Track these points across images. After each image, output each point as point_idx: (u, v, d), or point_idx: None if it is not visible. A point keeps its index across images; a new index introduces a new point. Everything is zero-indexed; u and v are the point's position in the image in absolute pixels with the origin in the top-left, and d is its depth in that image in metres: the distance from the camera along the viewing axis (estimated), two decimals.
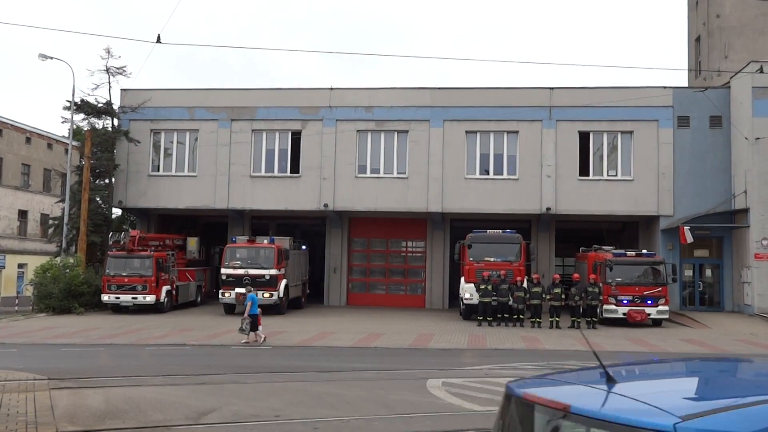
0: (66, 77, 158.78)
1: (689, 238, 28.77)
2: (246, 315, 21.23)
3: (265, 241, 30.09)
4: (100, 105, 34.77)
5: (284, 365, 16.26)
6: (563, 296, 26.55)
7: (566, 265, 39.11)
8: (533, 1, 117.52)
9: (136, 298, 29.91)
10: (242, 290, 28.89)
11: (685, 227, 29.08)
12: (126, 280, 29.92)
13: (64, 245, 33.58)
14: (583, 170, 32.64)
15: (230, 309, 29.91)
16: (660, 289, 27.13)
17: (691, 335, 24.53)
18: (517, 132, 32.89)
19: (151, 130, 34.96)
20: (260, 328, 21.45)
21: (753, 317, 28.77)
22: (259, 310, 21.80)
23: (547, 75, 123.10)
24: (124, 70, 35.00)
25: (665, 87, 32.33)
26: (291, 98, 34.40)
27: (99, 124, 35.47)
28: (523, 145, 32.77)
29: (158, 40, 20.66)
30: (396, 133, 33.67)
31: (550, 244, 34.47)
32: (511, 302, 26.55)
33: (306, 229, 40.39)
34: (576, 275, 28.52)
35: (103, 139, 34.40)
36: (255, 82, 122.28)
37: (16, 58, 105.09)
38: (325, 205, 33.44)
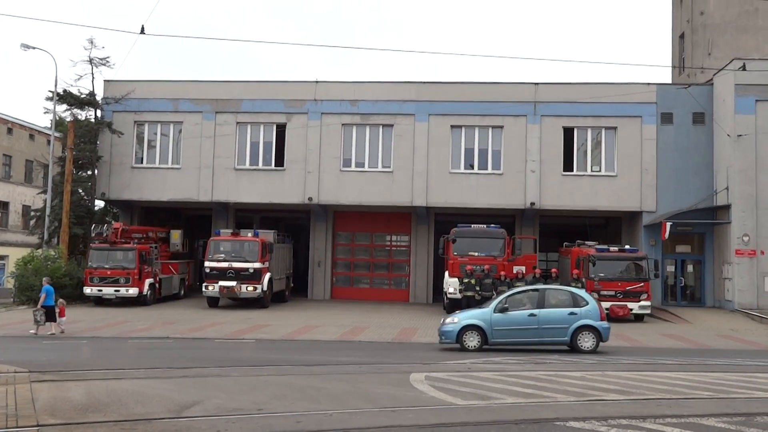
0: (48, 67, 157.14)
1: (668, 234, 29.01)
2: (39, 306, 21.28)
3: (249, 235, 30.01)
4: (83, 96, 34.48)
5: (268, 359, 16.24)
6: None
7: (549, 260, 39.24)
8: None
9: (118, 290, 29.73)
10: (226, 284, 28.95)
11: (667, 223, 29.31)
12: (109, 272, 29.74)
13: (45, 237, 33.31)
14: (567, 165, 32.79)
15: (214, 302, 29.84)
16: (642, 284, 27.35)
17: (672, 330, 24.75)
18: (502, 127, 32.97)
19: (135, 122, 34.71)
20: (63, 319, 21.52)
21: (734, 313, 29.06)
22: (62, 301, 22.08)
23: (532, 70, 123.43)
24: (108, 61, 34.76)
25: (649, 83, 32.55)
26: (276, 91, 34.27)
27: (82, 115, 35.21)
28: (508, 140, 32.86)
29: (142, 31, 20.53)
30: (381, 127, 33.65)
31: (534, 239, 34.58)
32: (494, 297, 26.58)
33: (290, 223, 40.32)
34: (555, 270, 28.62)
35: (86, 131, 34.13)
36: (241, 72, 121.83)
37: None
38: (310, 199, 33.38)
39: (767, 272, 29.57)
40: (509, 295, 18.92)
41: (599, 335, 17.95)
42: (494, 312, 18.26)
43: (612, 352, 18.29)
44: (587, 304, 18.27)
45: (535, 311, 18.13)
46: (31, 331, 21.02)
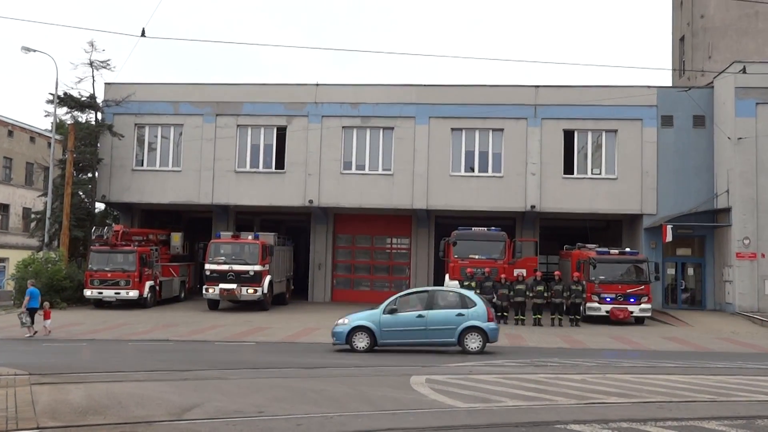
0: (49, 70, 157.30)
1: (669, 237, 29.00)
2: (23, 309, 21.35)
3: (250, 237, 30.00)
4: (83, 99, 34.50)
5: (268, 361, 16.23)
6: (546, 294, 26.69)
7: (550, 263, 39.23)
8: (520, 0, 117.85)
9: (119, 293, 29.73)
10: (227, 286, 28.94)
11: (668, 226, 29.30)
12: (109, 275, 29.74)
13: (46, 240, 33.30)
14: (568, 168, 32.78)
15: (214, 305, 29.83)
16: (643, 287, 27.34)
17: (673, 333, 24.73)
18: (502, 130, 32.98)
19: (135, 125, 34.72)
20: (48, 322, 21.62)
21: (734, 316, 29.04)
22: (47, 304, 22.24)
23: (532, 73, 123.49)
24: (108, 64, 34.81)
25: (649, 86, 32.54)
26: (276, 94, 34.30)
27: (82, 117, 35.28)
28: (509, 143, 32.87)
29: (143, 34, 20.56)
30: (381, 130, 33.67)
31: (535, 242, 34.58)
32: (495, 300, 26.62)
33: (291, 225, 40.32)
34: (558, 272, 28.64)
35: (87, 133, 34.14)
36: (241, 74, 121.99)
37: None
38: (310, 201, 33.38)
39: (767, 275, 29.55)
40: (399, 297, 19.11)
41: (486, 336, 18.17)
42: (383, 313, 18.40)
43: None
44: (475, 305, 18.41)
45: (424, 312, 18.29)
46: (27, 335, 21.03)
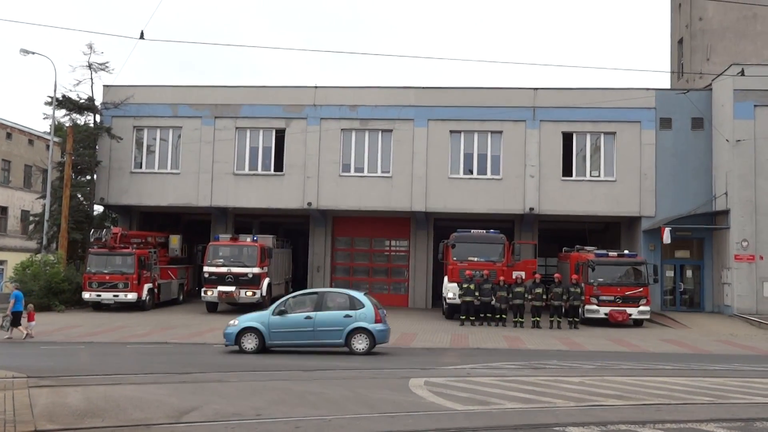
0: (48, 73, 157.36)
1: (667, 239, 29.02)
2: (8, 312, 21.45)
3: (248, 240, 30.00)
4: (82, 101, 34.50)
5: (266, 364, 16.22)
6: (544, 296, 26.69)
7: (549, 265, 39.25)
8: (518, 2, 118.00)
9: (117, 295, 29.72)
10: (225, 289, 28.91)
11: (666, 228, 29.32)
12: (107, 277, 29.73)
13: (44, 242, 33.28)
14: (566, 171, 32.80)
15: (213, 307, 29.81)
16: (641, 289, 27.36)
17: (671, 335, 24.74)
18: (501, 132, 33.00)
19: (134, 127, 34.72)
20: (32, 324, 21.64)
21: (733, 318, 29.05)
22: (31, 306, 22.23)
23: (531, 76, 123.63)
24: (107, 66, 34.85)
25: (648, 89, 32.58)
26: (275, 96, 34.31)
27: (81, 120, 35.28)
28: (507, 145, 32.89)
29: (141, 36, 20.58)
30: (380, 132, 33.68)
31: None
32: (493, 302, 26.64)
33: (289, 228, 40.30)
34: (558, 275, 28.65)
35: (85, 136, 34.13)
36: (240, 77, 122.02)
37: None
38: (309, 204, 33.38)
39: (766, 277, 29.57)
40: (290, 298, 19.27)
41: (373, 337, 18.27)
42: (272, 315, 18.51)
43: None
44: (363, 307, 18.50)
45: (312, 314, 18.39)
46: (6, 336, 21.13)
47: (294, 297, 19.41)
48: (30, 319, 21.76)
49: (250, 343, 18.30)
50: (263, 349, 18.30)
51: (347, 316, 18.34)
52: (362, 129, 33.75)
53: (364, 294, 19.29)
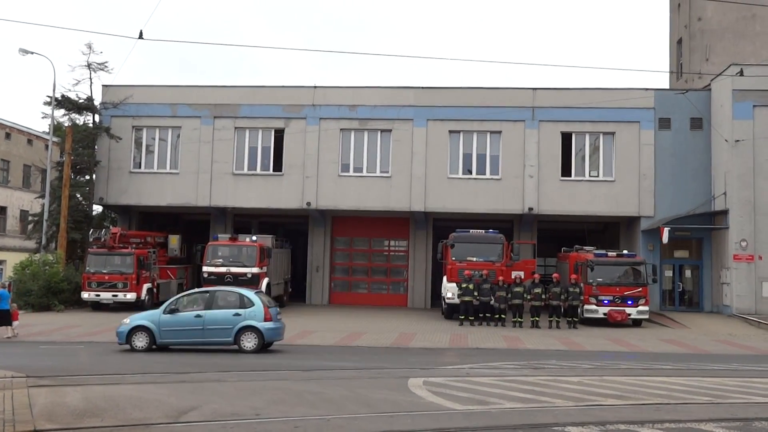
0: (47, 72, 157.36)
1: (666, 239, 29.03)
2: None
3: (248, 240, 29.99)
4: (81, 101, 34.49)
5: (265, 364, 16.22)
6: (543, 296, 26.69)
7: (548, 265, 39.25)
8: (518, 2, 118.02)
9: (116, 295, 29.71)
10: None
11: (665, 228, 29.32)
12: (106, 277, 29.73)
13: (43, 242, 33.27)
14: (565, 171, 32.82)
15: None
16: (640, 289, 27.35)
17: (670, 335, 24.75)
18: (500, 132, 33.01)
19: (133, 127, 34.71)
20: (16, 323, 21.66)
21: (731, 318, 29.06)
22: (14, 305, 22.29)
23: (530, 76, 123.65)
24: (106, 66, 34.82)
25: (647, 89, 32.59)
26: (274, 96, 34.31)
27: (80, 120, 35.28)
28: (506, 145, 32.89)
29: (140, 36, 20.54)
30: (379, 132, 33.68)
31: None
32: (492, 302, 26.64)
33: (288, 228, 40.30)
34: (556, 275, 28.65)
35: (84, 136, 34.12)
36: (239, 77, 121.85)
37: None
38: (308, 204, 33.38)
39: (765, 277, 29.58)
40: (183, 296, 19.41)
41: (261, 336, 18.35)
42: (163, 313, 18.55)
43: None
44: (253, 305, 18.52)
45: (202, 312, 18.42)
46: None
47: (187, 295, 19.57)
48: (13, 318, 21.71)
49: (140, 341, 18.35)
50: (154, 347, 18.37)
51: (236, 314, 18.38)
52: (361, 129, 33.76)
53: (256, 293, 19.38)
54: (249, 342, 18.20)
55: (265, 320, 18.40)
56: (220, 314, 18.39)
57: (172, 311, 18.55)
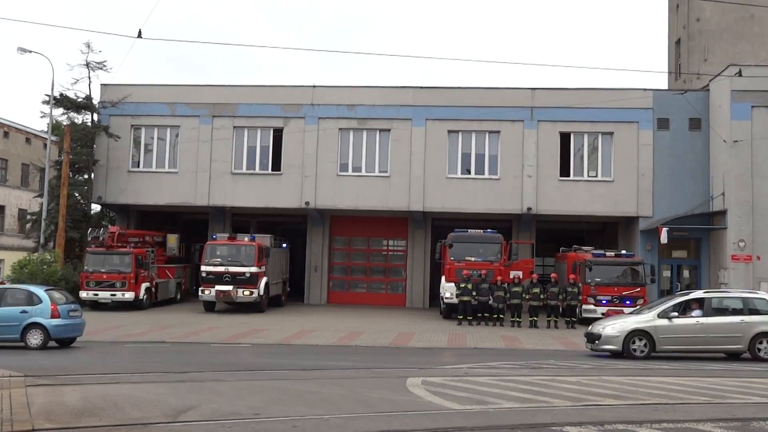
0: (45, 71, 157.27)
1: (664, 239, 29.05)
2: None
3: (246, 239, 29.97)
4: (79, 100, 34.47)
5: (264, 363, 16.22)
6: (542, 296, 26.70)
7: (546, 265, 39.27)
8: (517, 2, 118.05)
9: (114, 294, 29.69)
10: (223, 288, 28.90)
11: (664, 228, 29.35)
12: (105, 276, 29.71)
13: (42, 241, 33.23)
14: (564, 171, 32.84)
15: (210, 306, 29.78)
16: (639, 289, 27.39)
17: None
18: (498, 132, 33.02)
19: (132, 126, 34.68)
20: None
21: None
22: None
23: (529, 76, 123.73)
24: (105, 65, 34.79)
25: (645, 89, 32.61)
26: (273, 95, 34.30)
27: (78, 119, 35.27)
28: (505, 145, 32.91)
29: (139, 35, 20.55)
30: (378, 132, 33.68)
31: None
32: (491, 302, 26.65)
33: (287, 227, 40.30)
34: (555, 275, 28.67)
35: (83, 135, 34.10)
36: (238, 76, 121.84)
37: None
38: (307, 203, 33.38)
39: (763, 277, 29.58)
40: None
41: (47, 332, 18.38)
42: None
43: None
44: (41, 302, 18.63)
45: None
46: None
47: None
48: None
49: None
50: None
51: (23, 311, 18.49)
52: (360, 128, 33.75)
53: (46, 290, 19.45)
54: (35, 339, 18.43)
55: (53, 317, 18.56)
56: (7, 311, 18.49)
57: None
